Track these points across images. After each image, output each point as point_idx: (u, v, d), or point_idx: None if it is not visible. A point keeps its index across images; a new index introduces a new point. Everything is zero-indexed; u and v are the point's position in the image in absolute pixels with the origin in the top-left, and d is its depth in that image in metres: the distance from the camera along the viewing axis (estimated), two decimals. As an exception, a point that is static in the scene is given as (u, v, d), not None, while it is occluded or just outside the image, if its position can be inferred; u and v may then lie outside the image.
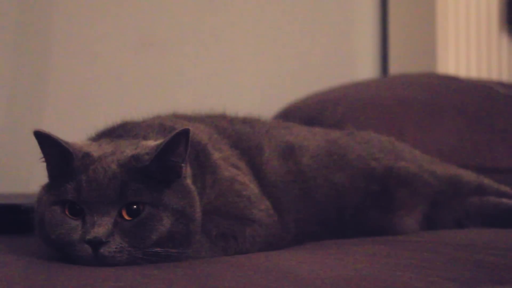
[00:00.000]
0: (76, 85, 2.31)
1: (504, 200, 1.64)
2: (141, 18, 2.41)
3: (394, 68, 2.82)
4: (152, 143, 1.17)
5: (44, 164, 1.16)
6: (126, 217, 1.10)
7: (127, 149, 1.15)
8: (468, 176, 1.69)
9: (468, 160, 2.07)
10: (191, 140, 1.14)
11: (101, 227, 1.08)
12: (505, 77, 2.88)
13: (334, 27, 2.78)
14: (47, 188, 1.16)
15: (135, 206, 1.10)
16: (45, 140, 1.13)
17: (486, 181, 1.70)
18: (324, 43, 2.75)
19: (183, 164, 1.14)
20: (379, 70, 2.86)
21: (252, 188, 1.33)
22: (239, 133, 1.46)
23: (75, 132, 1.37)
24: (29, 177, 1.89)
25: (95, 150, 1.15)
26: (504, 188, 1.70)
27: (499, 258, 1.21)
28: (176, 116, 1.46)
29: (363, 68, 2.83)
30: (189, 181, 1.17)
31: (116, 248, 1.08)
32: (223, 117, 1.53)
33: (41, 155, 1.15)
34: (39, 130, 1.12)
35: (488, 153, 2.15)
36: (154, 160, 1.11)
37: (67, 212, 1.11)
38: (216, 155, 1.32)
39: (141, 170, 1.11)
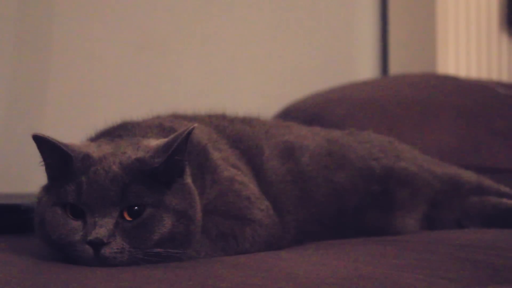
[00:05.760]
0: (76, 85, 2.31)
1: (504, 200, 1.64)
2: (141, 19, 2.41)
3: (394, 68, 2.82)
4: (153, 142, 1.17)
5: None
6: (127, 218, 1.10)
7: (128, 149, 1.15)
8: (468, 176, 1.69)
9: (468, 160, 2.06)
10: (191, 140, 1.14)
11: (102, 228, 1.08)
12: (505, 77, 2.88)
13: (334, 27, 2.78)
14: (47, 189, 1.16)
15: (136, 208, 1.10)
16: (44, 144, 1.13)
17: (486, 181, 1.69)
18: (324, 43, 2.74)
19: (186, 162, 1.14)
20: (379, 70, 2.86)
21: (251, 188, 1.33)
22: (239, 133, 1.45)
23: (75, 132, 1.37)
24: (29, 177, 1.88)
25: (95, 151, 1.14)
26: (504, 188, 1.70)
27: (499, 258, 1.21)
28: (176, 116, 1.46)
29: (363, 68, 2.83)
30: (189, 181, 1.17)
31: (117, 249, 1.08)
32: (222, 117, 1.53)
33: (40, 158, 1.14)
34: (37, 134, 1.12)
35: (488, 153, 2.15)
36: (164, 162, 1.11)
37: (68, 213, 1.11)
38: (215, 155, 1.32)
39: (144, 171, 1.11)
